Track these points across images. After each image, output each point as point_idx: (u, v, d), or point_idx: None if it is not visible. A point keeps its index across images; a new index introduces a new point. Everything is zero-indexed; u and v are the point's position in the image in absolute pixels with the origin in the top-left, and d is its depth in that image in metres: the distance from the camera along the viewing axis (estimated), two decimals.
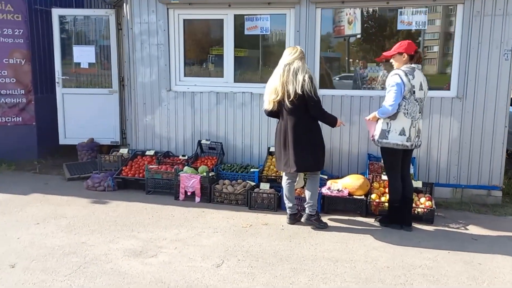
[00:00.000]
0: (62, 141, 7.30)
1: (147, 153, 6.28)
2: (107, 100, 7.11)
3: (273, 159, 5.82)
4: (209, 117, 6.17)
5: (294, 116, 4.31)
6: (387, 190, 4.97)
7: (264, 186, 5.32)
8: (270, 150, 5.90)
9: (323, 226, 4.50)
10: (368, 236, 4.33)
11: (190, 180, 5.38)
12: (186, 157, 6.09)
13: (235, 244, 4.12)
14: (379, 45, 5.89)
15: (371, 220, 4.76)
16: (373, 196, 4.92)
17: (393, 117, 4.31)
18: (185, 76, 6.30)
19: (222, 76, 6.15)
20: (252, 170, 5.64)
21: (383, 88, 5.87)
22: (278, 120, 4.52)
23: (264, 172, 5.60)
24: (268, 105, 4.42)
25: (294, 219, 4.63)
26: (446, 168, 5.50)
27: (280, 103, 4.34)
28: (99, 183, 5.85)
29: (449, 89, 5.43)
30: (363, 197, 4.92)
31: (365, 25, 5.87)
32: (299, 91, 4.18)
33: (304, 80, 4.19)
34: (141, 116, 6.41)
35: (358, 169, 5.72)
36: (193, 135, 6.27)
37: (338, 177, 5.56)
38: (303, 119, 4.33)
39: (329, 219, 4.76)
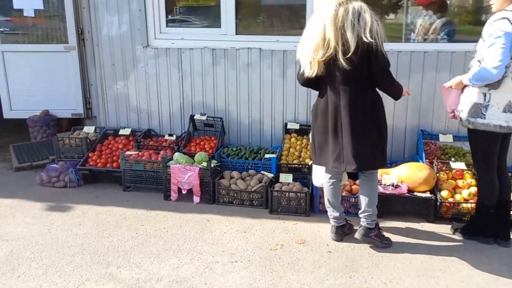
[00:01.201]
0: (7, 114, 5.67)
1: (121, 132, 4.70)
2: (63, 60, 5.41)
3: (292, 139, 4.39)
4: (203, 83, 4.58)
5: (351, 85, 2.82)
6: (459, 183, 3.65)
7: (286, 178, 3.89)
8: (288, 127, 4.43)
9: (387, 245, 3.14)
10: (456, 260, 3.00)
11: (185, 174, 3.88)
12: (174, 138, 4.55)
13: (269, 287, 2.72)
14: None
15: (443, 228, 3.43)
16: (444, 193, 3.56)
17: (495, 85, 2.89)
18: (167, 26, 4.65)
19: (220, 26, 4.53)
20: (267, 156, 4.16)
21: (425, 40, 4.48)
22: (322, 93, 3.01)
23: (283, 159, 4.15)
24: (309, 68, 2.85)
25: (342, 232, 3.25)
26: None
27: (329, 64, 2.82)
28: (57, 177, 4.29)
29: None
30: (430, 195, 3.56)
31: None
32: (367, 38, 2.64)
33: (373, 22, 2.68)
34: (109, 83, 4.76)
35: (405, 151, 4.36)
36: (182, 107, 4.69)
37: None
38: (365, 90, 2.86)
39: (387, 227, 3.41)
